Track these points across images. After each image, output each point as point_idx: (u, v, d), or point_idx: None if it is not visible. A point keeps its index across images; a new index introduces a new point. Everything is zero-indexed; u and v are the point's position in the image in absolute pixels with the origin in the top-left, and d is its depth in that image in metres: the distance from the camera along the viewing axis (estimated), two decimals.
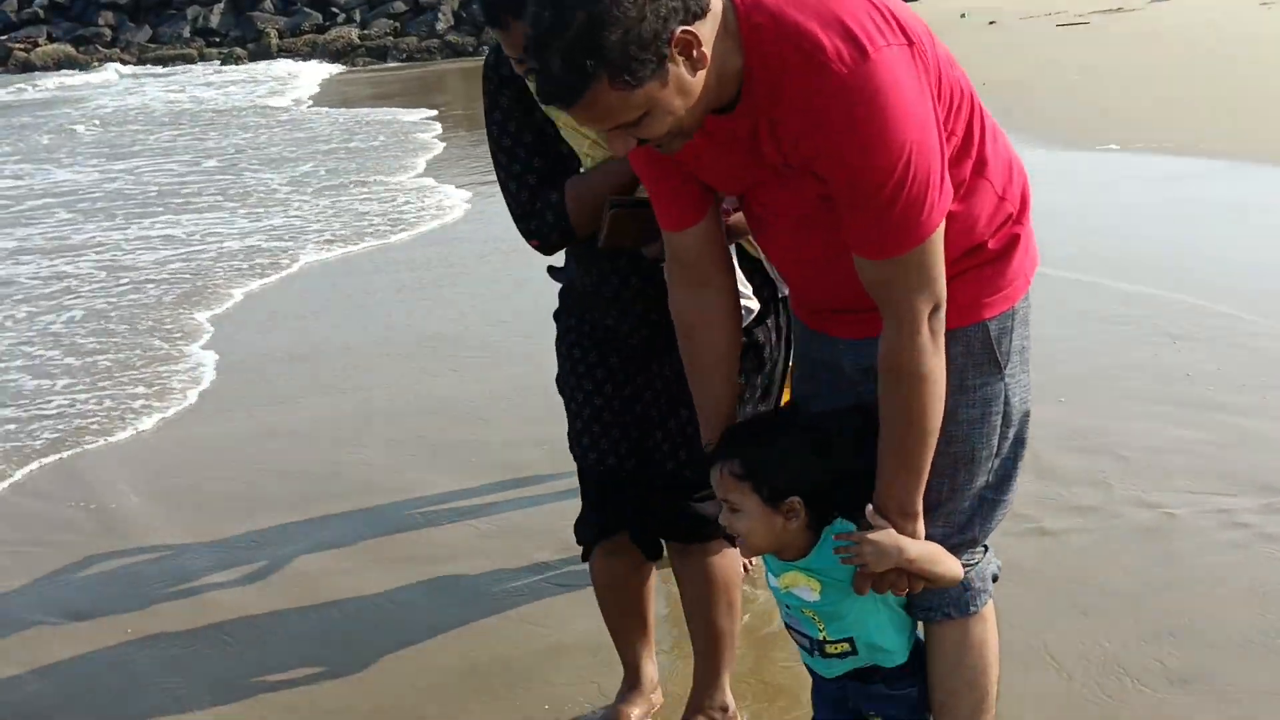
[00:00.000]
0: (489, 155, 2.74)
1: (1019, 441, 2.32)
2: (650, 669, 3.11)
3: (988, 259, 2.19)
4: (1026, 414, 2.31)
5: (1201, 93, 12.20)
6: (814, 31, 1.93)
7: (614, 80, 1.86)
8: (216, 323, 7.07)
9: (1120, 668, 3.15)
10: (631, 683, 3.09)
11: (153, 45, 27.90)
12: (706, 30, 1.92)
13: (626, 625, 3.05)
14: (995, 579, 2.41)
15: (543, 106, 2.58)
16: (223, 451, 5.17)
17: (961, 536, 2.30)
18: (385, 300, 7.34)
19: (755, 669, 3.31)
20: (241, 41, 27.62)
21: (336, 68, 25.05)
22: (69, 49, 27.60)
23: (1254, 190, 8.36)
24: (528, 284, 6.59)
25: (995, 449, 2.27)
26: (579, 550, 3.84)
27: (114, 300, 7.65)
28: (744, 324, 2.49)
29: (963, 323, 2.14)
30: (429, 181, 10.88)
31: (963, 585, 2.33)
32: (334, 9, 28.04)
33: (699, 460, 2.30)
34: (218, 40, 27.94)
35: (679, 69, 1.90)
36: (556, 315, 2.90)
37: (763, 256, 2.70)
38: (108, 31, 28.35)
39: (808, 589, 2.20)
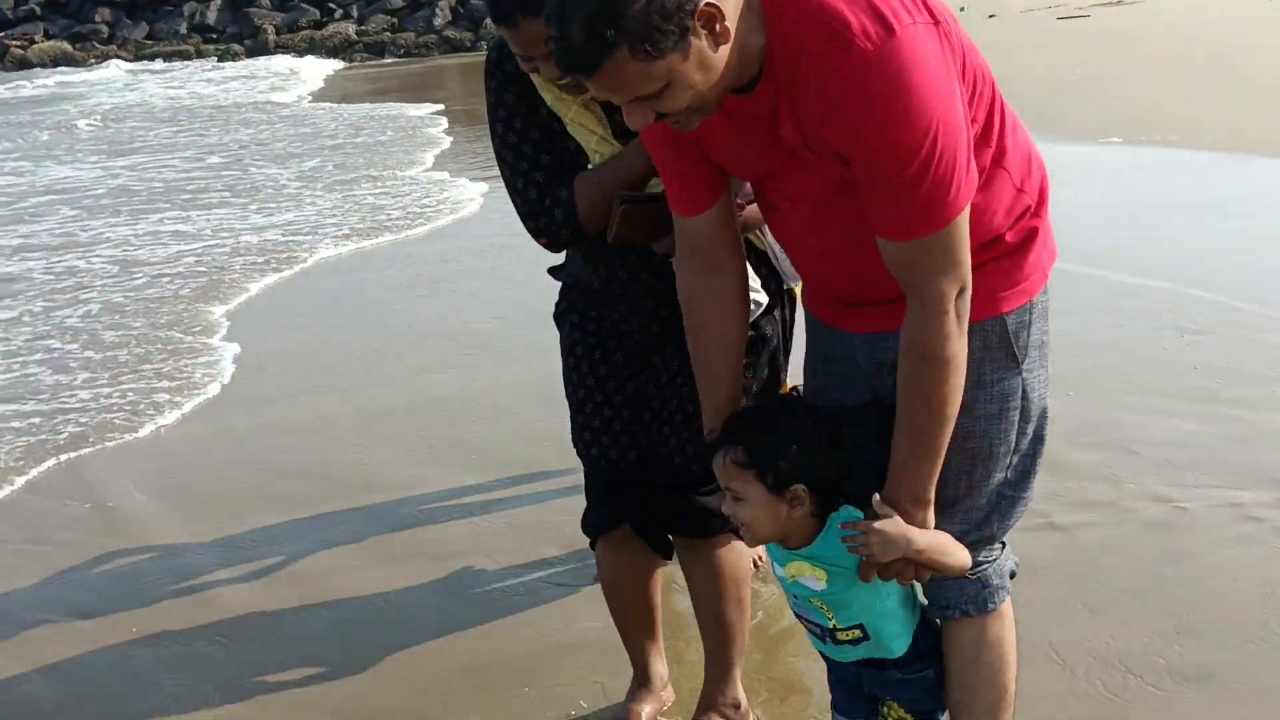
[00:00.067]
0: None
1: (1038, 438, 2.30)
2: (659, 666, 3.09)
3: (1005, 251, 2.16)
4: (1045, 410, 2.29)
5: (1204, 86, 12.19)
6: (839, 8, 1.90)
7: (635, 51, 1.84)
8: (232, 317, 7.07)
9: (1131, 664, 3.13)
10: (641, 681, 3.07)
11: (149, 42, 27.86)
12: (730, 5, 1.89)
13: (633, 622, 3.04)
14: (1013, 575, 2.39)
15: (548, 103, 2.56)
16: (226, 450, 5.16)
17: (979, 533, 2.28)
18: (398, 296, 7.31)
19: (766, 666, 3.29)
20: (239, 38, 27.58)
21: (335, 63, 24.99)
22: (66, 46, 27.56)
23: (1259, 183, 8.34)
24: (538, 279, 6.59)
25: (1013, 445, 2.25)
26: (584, 548, 3.84)
27: (130, 295, 7.65)
28: (752, 317, 2.46)
29: (980, 317, 2.11)
30: (443, 175, 10.85)
31: (980, 582, 2.31)
32: (331, 5, 27.99)
33: (705, 455, 2.27)
34: (214, 37, 27.89)
35: (701, 42, 1.87)
36: (558, 313, 2.88)
37: (770, 249, 2.68)
38: (104, 28, 28.30)
39: (814, 578, 2.18)
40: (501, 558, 3.97)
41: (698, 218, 2.24)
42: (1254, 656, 3.14)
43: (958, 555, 2.16)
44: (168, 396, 5.77)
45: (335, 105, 17.28)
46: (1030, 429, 2.27)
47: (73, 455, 5.15)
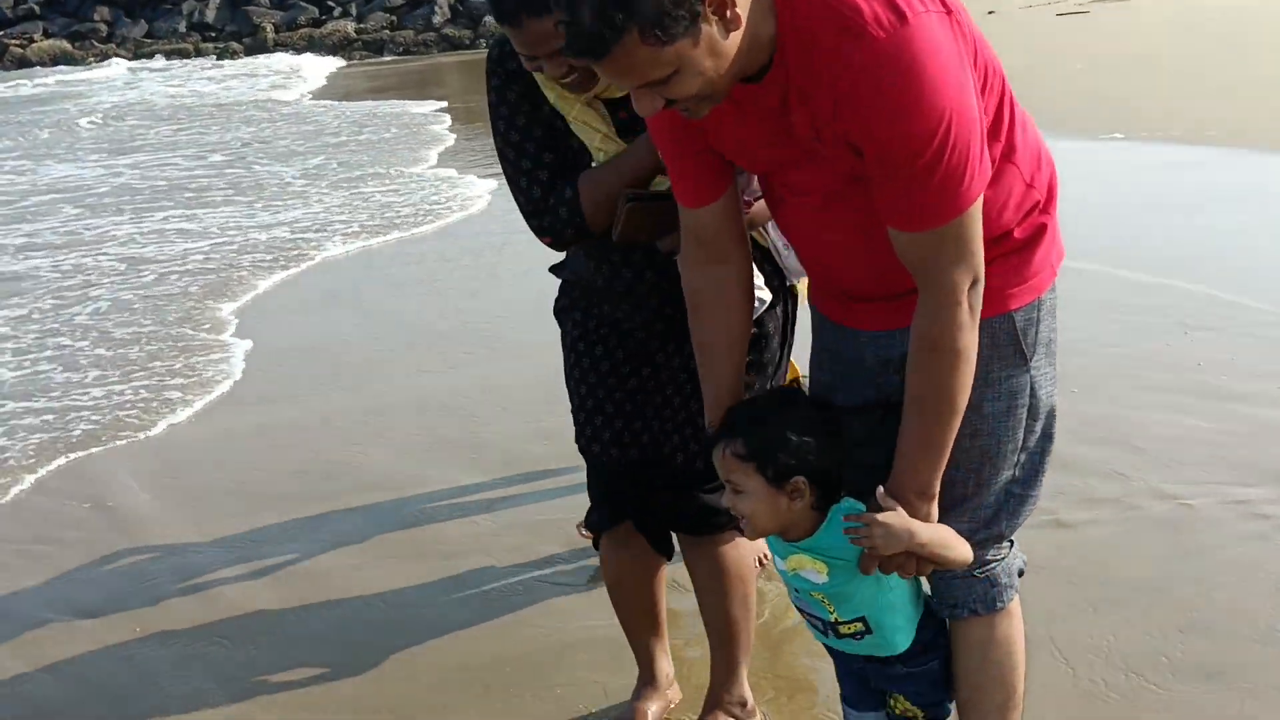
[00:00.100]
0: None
1: (1046, 436, 2.28)
2: (665, 664, 3.08)
3: (1014, 248, 2.15)
4: (1053, 408, 2.27)
5: (1204, 81, 12.17)
6: None
7: (645, 35, 1.82)
8: (241, 315, 7.08)
9: (1140, 662, 3.12)
10: (646, 679, 3.07)
11: (148, 40, 27.82)
12: None
13: (638, 620, 3.03)
14: (1021, 574, 2.37)
15: (551, 101, 2.55)
16: (229, 448, 5.15)
17: (987, 532, 2.27)
18: (406, 293, 7.30)
19: (772, 664, 3.28)
20: (237, 36, 27.53)
21: (336, 61, 24.93)
22: (65, 44, 27.53)
23: (1261, 178, 8.32)
24: (541, 277, 6.58)
25: (1020, 442, 2.24)
26: (586, 546, 3.85)
27: (139, 292, 7.65)
28: (755, 314, 2.45)
29: (988, 314, 2.09)
30: (450, 172, 10.83)
31: (989, 581, 2.30)
32: (330, 3, 27.95)
33: (707, 450, 2.25)
34: (213, 35, 27.85)
35: (711, 28, 1.85)
36: (559, 310, 2.87)
37: (773, 245, 2.67)
38: (103, 27, 28.26)
39: (814, 571, 2.16)
40: (504, 556, 3.96)
41: (703, 210, 2.23)
42: (1262, 654, 3.13)
43: (960, 549, 2.14)
44: (179, 394, 5.78)
45: (336, 103, 17.25)
46: (1038, 427, 2.26)
47: (81, 454, 5.14)
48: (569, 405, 2.85)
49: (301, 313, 7.14)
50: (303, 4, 27.92)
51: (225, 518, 4.43)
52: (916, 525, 2.07)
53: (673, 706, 3.07)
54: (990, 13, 20.48)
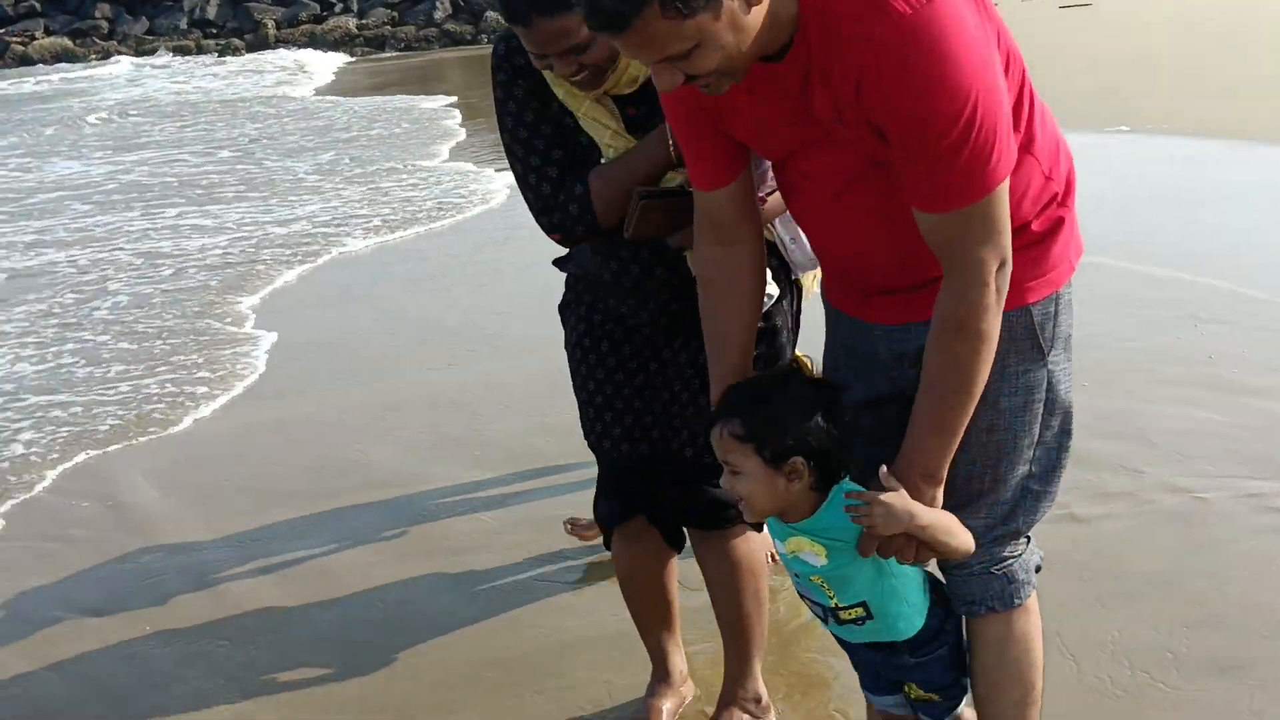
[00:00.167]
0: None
1: (1064, 432, 2.27)
2: (678, 660, 3.07)
3: (1032, 240, 2.13)
4: (1071, 404, 2.25)
5: (1209, 74, 12.15)
6: None
7: (665, 8, 1.80)
8: (258, 310, 7.08)
9: (1153, 657, 3.11)
10: (660, 675, 3.05)
11: (149, 37, 27.80)
12: None
13: (650, 615, 3.02)
14: (1038, 570, 2.36)
15: (560, 97, 2.53)
16: (239, 445, 5.15)
17: (1005, 528, 2.25)
18: (422, 289, 7.29)
19: (785, 660, 3.27)
20: (239, 32, 27.51)
21: (343, 57, 24.85)
22: (66, 42, 27.51)
23: (1270, 172, 8.29)
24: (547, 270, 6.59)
25: (1037, 437, 2.22)
26: (594, 542, 3.82)
27: (159, 287, 7.67)
28: (764, 308, 2.43)
29: (1005, 307, 2.06)
30: (468, 166, 10.81)
31: (1006, 578, 2.28)
32: None
33: (704, 429, 2.23)
34: (215, 32, 27.83)
35: (733, 3, 1.83)
36: (563, 305, 2.86)
37: (779, 240, 2.65)
38: (104, 24, 28.23)
39: (813, 554, 2.13)
40: (512, 553, 3.95)
41: (718, 193, 2.21)
42: (1273, 649, 3.11)
43: (962, 537, 2.10)
44: (206, 389, 5.79)
45: (344, 98, 17.22)
46: (1056, 423, 2.24)
47: (103, 451, 5.14)
48: (564, 402, 2.84)
49: (322, 307, 7.13)
50: (304, 0, 27.90)
51: (235, 515, 4.42)
52: (918, 508, 2.03)
53: (687, 702, 3.06)
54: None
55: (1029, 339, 2.15)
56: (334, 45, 26.20)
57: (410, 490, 4.49)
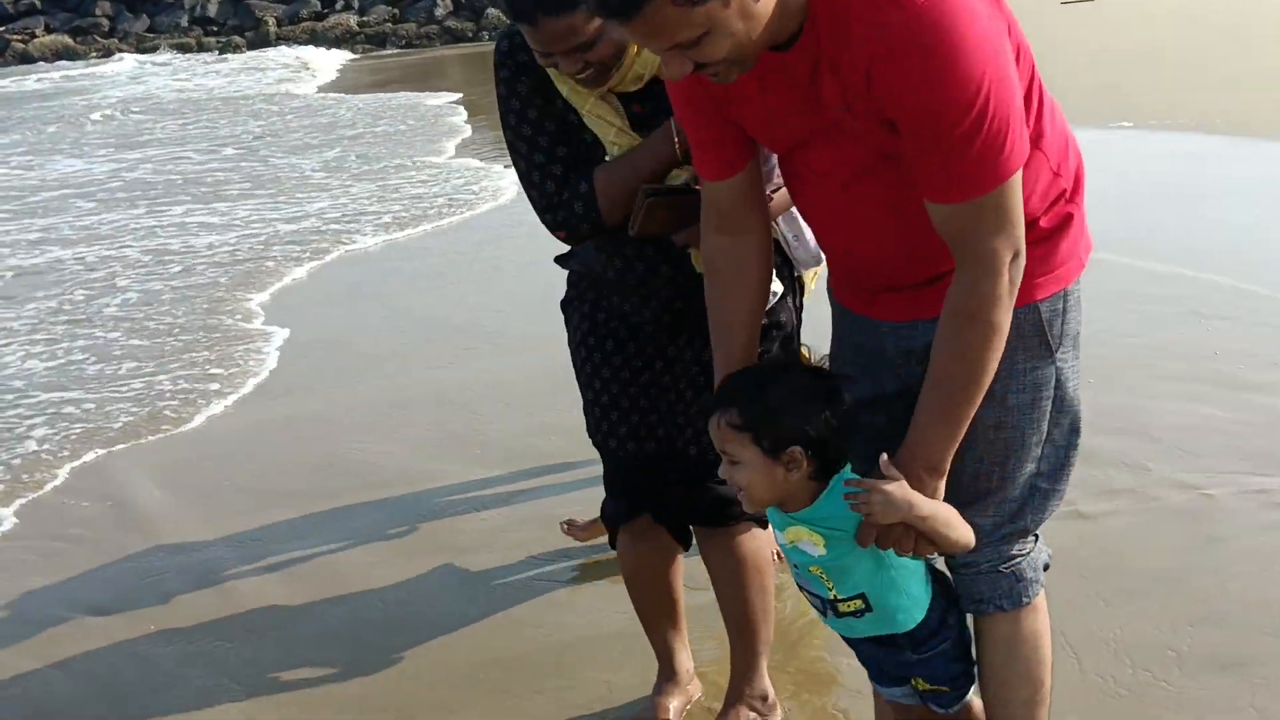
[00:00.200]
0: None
1: (1073, 430, 2.25)
2: (685, 658, 3.06)
3: (1040, 237, 2.11)
4: (1079, 402, 2.24)
5: (1211, 69, 12.14)
6: None
7: None
8: (267, 308, 7.10)
9: (1160, 653, 3.10)
10: (667, 674, 3.05)
11: (150, 35, 27.81)
12: None
13: (656, 613, 3.01)
14: (1046, 568, 2.35)
15: (564, 94, 2.52)
16: (243, 443, 5.15)
17: (1013, 526, 2.24)
18: (429, 285, 7.29)
19: (793, 659, 3.26)
20: (239, 30, 27.52)
21: (342, 55, 24.84)
22: (67, 39, 27.52)
23: (1272, 167, 8.28)
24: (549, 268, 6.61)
25: (1045, 435, 2.21)
26: (592, 542, 3.82)
27: (171, 283, 7.70)
28: (769, 304, 2.43)
29: (1013, 304, 2.05)
30: (476, 163, 10.80)
31: (1014, 576, 2.27)
32: None
33: (701, 418, 2.22)
34: (215, 29, 27.82)
35: None
36: (566, 304, 2.85)
37: (782, 236, 2.65)
38: (105, 22, 28.25)
39: (811, 543, 2.10)
40: (515, 551, 3.95)
41: (725, 183, 2.21)
42: (1276, 646, 3.09)
43: (961, 531, 2.08)
44: (218, 386, 5.81)
45: (347, 96, 17.20)
46: (1065, 420, 2.23)
47: (103, 451, 5.14)
48: (567, 400, 2.83)
49: (333, 304, 7.13)
50: None
51: (238, 514, 4.42)
52: (917, 498, 2.01)
53: (694, 701, 3.05)
54: None
55: (1037, 336, 2.14)
56: (335, 42, 26.20)
57: (413, 489, 4.49)
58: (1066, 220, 2.15)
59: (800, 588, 2.23)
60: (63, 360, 6.36)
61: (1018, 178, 1.94)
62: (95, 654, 3.59)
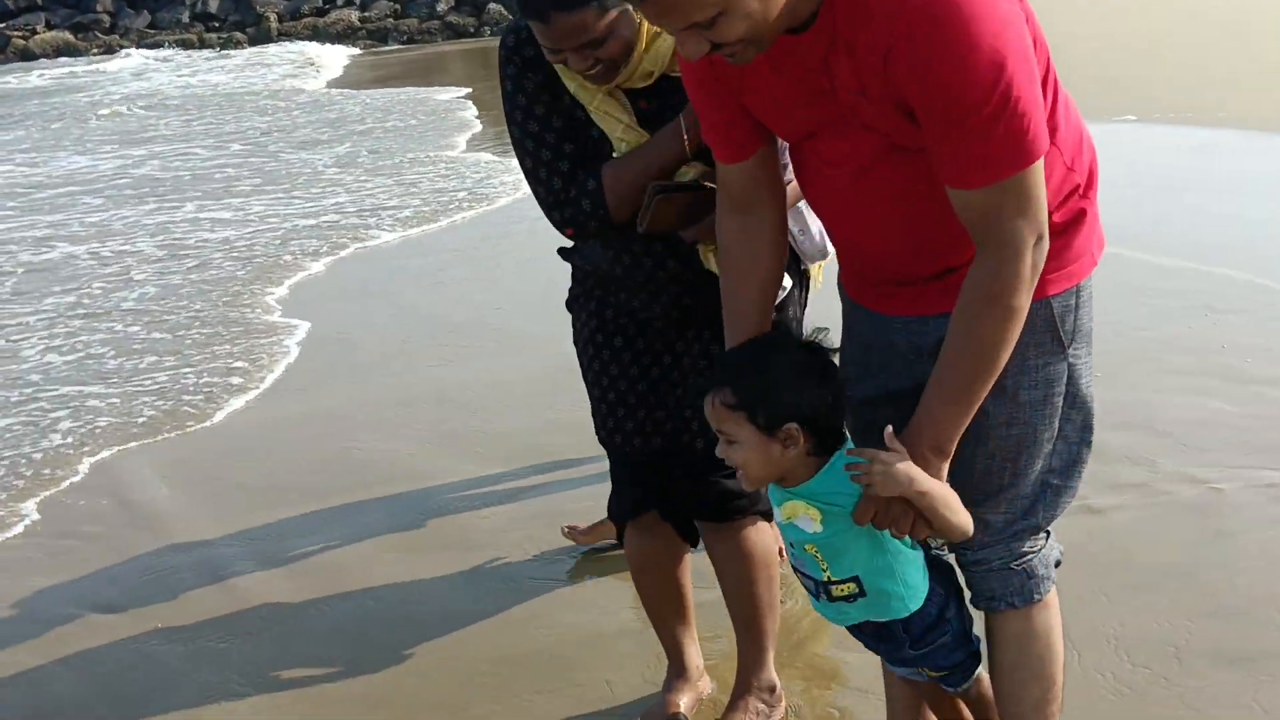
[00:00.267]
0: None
1: (1085, 427, 2.24)
2: (694, 655, 3.06)
3: (1053, 232, 2.08)
4: (1092, 398, 2.22)
5: (1216, 62, 12.11)
6: None
7: None
8: (292, 301, 7.12)
9: (1173, 648, 3.09)
10: (677, 670, 3.04)
11: (152, 31, 27.78)
12: None
13: (665, 609, 3.01)
14: (1058, 564, 2.34)
15: (571, 90, 2.51)
16: (251, 440, 5.15)
17: (1025, 522, 2.23)
18: (440, 281, 7.28)
19: (802, 654, 3.25)
20: (241, 26, 27.48)
21: (347, 50, 24.79)
22: (68, 36, 27.50)
23: (1271, 159, 8.26)
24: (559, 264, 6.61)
25: (1058, 431, 2.20)
26: (595, 544, 3.81)
27: (190, 277, 7.72)
28: (778, 299, 2.42)
29: (1034, 289, 2.02)
30: (489, 157, 10.78)
31: (1025, 573, 2.26)
32: None
33: (695, 396, 2.20)
34: (217, 25, 27.79)
35: None
36: (572, 299, 2.84)
37: (788, 232, 2.63)
38: (106, 18, 28.22)
39: (808, 519, 2.08)
40: (520, 549, 3.95)
41: (735, 166, 2.20)
42: None
43: (961, 515, 2.05)
44: (240, 380, 5.83)
45: (356, 91, 17.15)
46: (1078, 417, 2.22)
47: (119, 448, 5.15)
48: (571, 397, 2.82)
49: (350, 299, 7.13)
50: None
51: (244, 512, 4.42)
52: (919, 474, 1.99)
53: (705, 697, 3.05)
54: None
55: (1049, 331, 2.12)
56: (336, 38, 26.17)
57: (419, 486, 4.49)
58: (1080, 216, 2.13)
59: (794, 569, 2.21)
60: (82, 354, 6.39)
61: (1041, 164, 1.92)
62: (101, 652, 3.59)
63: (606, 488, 2.94)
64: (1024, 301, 1.97)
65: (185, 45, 26.71)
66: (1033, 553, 2.27)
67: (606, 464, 2.92)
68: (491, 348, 5.96)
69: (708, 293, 2.52)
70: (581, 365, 2.83)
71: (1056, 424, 2.19)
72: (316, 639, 3.56)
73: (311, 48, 24.64)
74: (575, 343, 2.84)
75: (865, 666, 2.91)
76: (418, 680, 3.31)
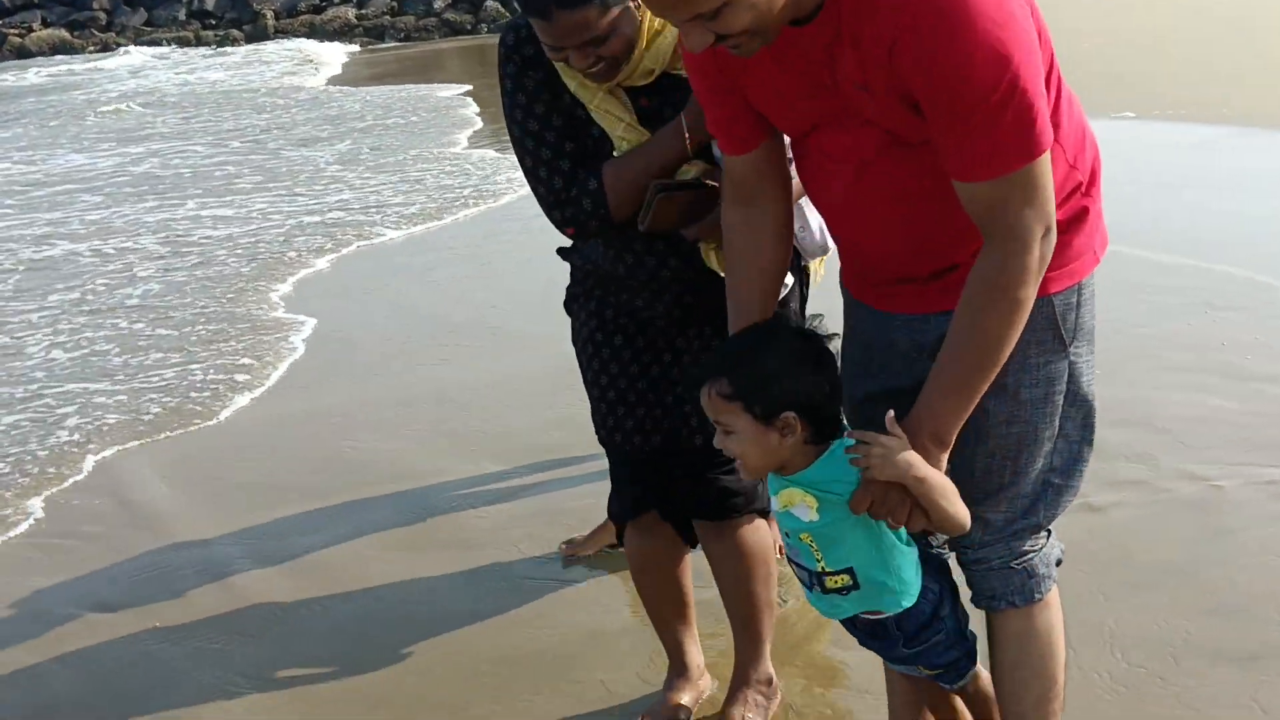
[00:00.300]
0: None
1: (1086, 425, 2.24)
2: (695, 654, 3.06)
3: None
4: (1093, 397, 2.22)
5: (1215, 58, 12.10)
6: None
7: None
8: (297, 298, 7.11)
9: (1176, 645, 3.09)
10: (678, 669, 3.04)
11: (148, 28, 27.72)
12: None
13: (666, 609, 3.01)
14: (1059, 563, 2.34)
15: (571, 89, 2.51)
16: (251, 438, 5.14)
17: (1025, 521, 2.23)
18: (440, 279, 7.27)
19: (804, 652, 3.25)
20: (238, 23, 27.43)
21: (345, 47, 24.73)
22: (64, 34, 27.44)
23: (1272, 156, 8.26)
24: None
25: (1058, 429, 2.20)
26: (592, 554, 3.80)
27: (196, 273, 7.72)
28: (780, 295, 2.41)
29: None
30: (492, 153, 10.77)
31: (1026, 572, 2.26)
32: None
33: (690, 387, 2.20)
34: (213, 23, 27.75)
35: None
36: (570, 301, 2.83)
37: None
38: (102, 15, 28.16)
39: (805, 507, 2.07)
40: (520, 547, 3.94)
41: (738, 158, 2.21)
42: None
43: (959, 507, 2.05)
44: (247, 377, 5.82)
45: (355, 89, 17.08)
46: (1079, 415, 2.22)
47: (119, 448, 5.14)
48: (571, 396, 2.81)
49: (352, 297, 7.12)
50: None
51: (243, 511, 4.42)
52: (917, 459, 1.99)
53: (705, 695, 3.05)
54: None
55: (1050, 329, 2.12)
56: (333, 35, 26.11)
57: (419, 484, 4.48)
58: (1082, 214, 2.13)
59: (789, 560, 2.20)
60: (87, 350, 6.39)
61: (1048, 156, 1.92)
62: (101, 651, 3.58)
63: (606, 486, 2.94)
64: (1030, 294, 1.96)
65: (182, 43, 26.67)
66: (1033, 552, 2.26)
67: (606, 462, 2.92)
68: (491, 347, 5.95)
69: (710, 291, 2.52)
70: (580, 365, 2.82)
71: (1057, 423, 2.19)
72: (316, 638, 3.56)
73: (309, 45, 24.59)
74: (574, 343, 2.83)
75: (864, 665, 2.90)
76: (418, 679, 3.31)
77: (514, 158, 2.64)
